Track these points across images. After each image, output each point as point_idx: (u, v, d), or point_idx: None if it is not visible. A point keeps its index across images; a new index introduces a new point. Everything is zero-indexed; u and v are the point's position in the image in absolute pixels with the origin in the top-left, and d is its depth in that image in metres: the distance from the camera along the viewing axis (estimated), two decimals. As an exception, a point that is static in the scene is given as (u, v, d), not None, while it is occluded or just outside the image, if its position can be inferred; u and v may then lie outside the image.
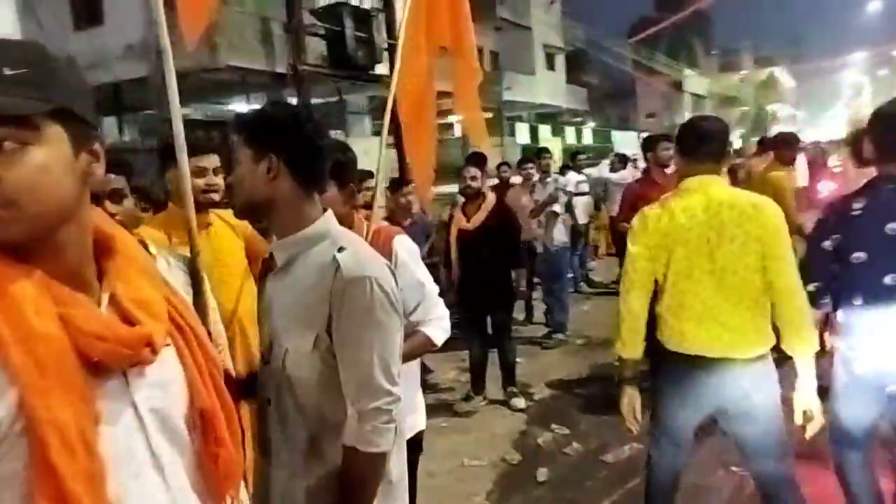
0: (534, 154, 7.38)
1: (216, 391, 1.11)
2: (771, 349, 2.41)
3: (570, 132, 23.57)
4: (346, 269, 1.48)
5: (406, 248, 2.21)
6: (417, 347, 2.19)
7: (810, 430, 2.40)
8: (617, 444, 4.12)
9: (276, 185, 1.53)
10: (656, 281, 2.48)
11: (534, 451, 4.30)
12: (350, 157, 2.10)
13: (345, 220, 2.07)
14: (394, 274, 1.59)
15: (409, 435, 2.29)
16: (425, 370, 5.60)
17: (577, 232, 8.98)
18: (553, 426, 4.61)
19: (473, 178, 5.04)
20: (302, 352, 1.51)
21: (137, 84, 12.29)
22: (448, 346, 6.04)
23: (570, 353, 6.36)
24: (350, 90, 14.46)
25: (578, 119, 32.12)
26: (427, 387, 5.58)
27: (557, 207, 6.70)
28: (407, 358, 2.13)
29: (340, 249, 1.51)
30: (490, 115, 26.25)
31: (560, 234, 6.75)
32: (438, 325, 2.24)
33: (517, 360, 5.58)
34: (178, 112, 1.78)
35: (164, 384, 1.02)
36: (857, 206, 2.41)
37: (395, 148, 13.88)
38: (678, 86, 40.81)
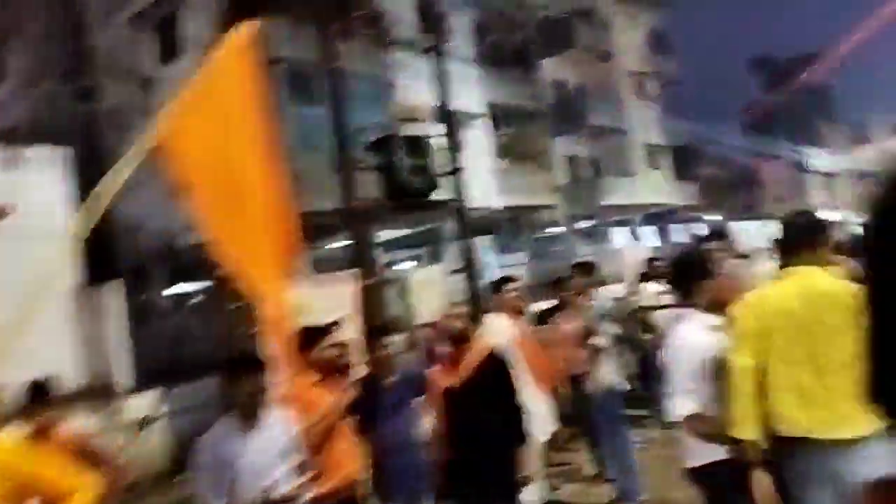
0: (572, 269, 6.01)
1: None
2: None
3: (676, 231, 21.68)
4: None
5: None
6: None
7: None
8: None
9: None
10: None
11: None
12: None
13: None
14: None
15: None
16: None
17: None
18: None
19: (459, 317, 3.86)
20: None
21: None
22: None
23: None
24: (419, 220, 14.09)
25: (695, 215, 30.20)
26: None
27: (600, 339, 5.30)
28: None
29: None
30: (592, 222, 25.20)
31: (608, 374, 5.27)
32: None
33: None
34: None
35: None
36: None
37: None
38: (802, 167, 38.04)
